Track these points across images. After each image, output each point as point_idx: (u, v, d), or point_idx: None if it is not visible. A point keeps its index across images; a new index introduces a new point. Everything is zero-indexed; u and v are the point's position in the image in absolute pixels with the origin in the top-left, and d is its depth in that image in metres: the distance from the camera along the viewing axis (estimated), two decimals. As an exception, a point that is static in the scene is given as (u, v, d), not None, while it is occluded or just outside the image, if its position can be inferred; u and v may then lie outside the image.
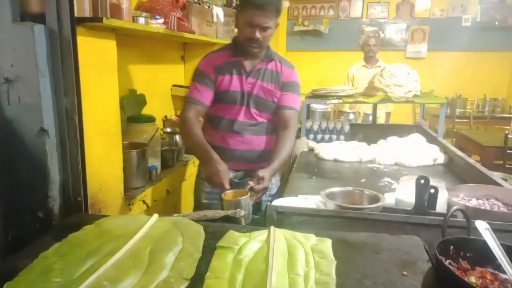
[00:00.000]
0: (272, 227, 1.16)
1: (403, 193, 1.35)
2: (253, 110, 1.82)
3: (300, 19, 6.75)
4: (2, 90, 1.31)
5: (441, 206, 1.28)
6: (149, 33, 2.05)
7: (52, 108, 1.35)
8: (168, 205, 2.22)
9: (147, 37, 2.29)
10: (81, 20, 1.40)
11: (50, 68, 1.32)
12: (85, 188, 1.46)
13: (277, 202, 1.39)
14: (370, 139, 2.66)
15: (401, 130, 2.90)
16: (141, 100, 2.23)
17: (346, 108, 4.35)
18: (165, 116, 2.69)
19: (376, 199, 1.32)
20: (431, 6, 6.55)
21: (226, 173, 1.60)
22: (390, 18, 6.71)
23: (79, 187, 1.44)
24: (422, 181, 1.21)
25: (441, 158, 2.26)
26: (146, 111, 2.30)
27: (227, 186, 1.54)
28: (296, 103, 1.90)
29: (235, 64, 1.80)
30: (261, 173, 1.63)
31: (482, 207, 1.38)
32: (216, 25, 2.70)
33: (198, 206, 1.92)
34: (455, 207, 1.06)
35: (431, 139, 2.54)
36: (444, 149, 2.34)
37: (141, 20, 1.86)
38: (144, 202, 1.95)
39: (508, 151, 3.34)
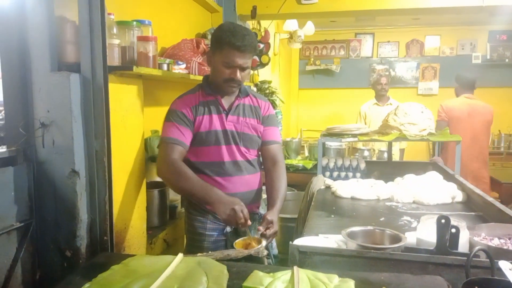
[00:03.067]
0: (295, 267, 1.18)
1: (424, 233, 1.36)
2: (243, 149, 1.76)
3: (312, 59, 6.94)
4: (38, 134, 1.39)
5: (463, 245, 1.28)
6: (171, 78, 2.15)
7: (83, 151, 1.43)
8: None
9: (169, 81, 2.41)
10: (112, 69, 1.49)
11: (83, 113, 1.41)
12: (111, 227, 1.51)
13: (299, 242, 1.41)
14: (386, 177, 2.67)
15: (416, 167, 2.91)
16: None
17: (360, 145, 4.39)
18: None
19: (397, 239, 1.33)
20: (440, 45, 6.69)
21: (244, 208, 1.53)
22: (400, 57, 6.85)
23: (105, 227, 1.49)
24: (443, 220, 1.22)
25: (459, 196, 2.25)
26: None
27: (250, 222, 1.52)
28: (279, 136, 1.91)
29: (212, 103, 1.74)
30: (269, 216, 1.60)
31: (505, 247, 1.38)
32: (234, 67, 2.83)
33: (193, 250, 1.73)
34: (477, 247, 1.07)
35: (448, 177, 2.54)
36: (461, 187, 2.33)
37: (165, 66, 1.96)
38: (165, 241, 1.98)
39: (527, 188, 3.31)
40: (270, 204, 1.70)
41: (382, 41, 6.91)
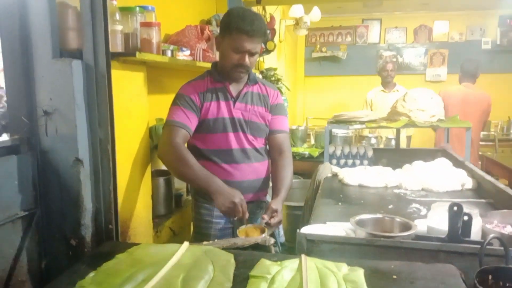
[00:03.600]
0: (303, 256, 1.16)
1: (435, 220, 1.33)
2: (250, 137, 1.75)
3: (318, 46, 6.85)
4: (41, 123, 1.37)
5: (475, 233, 1.25)
6: (176, 65, 2.12)
7: (87, 139, 1.40)
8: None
9: (173, 68, 2.37)
10: (115, 55, 1.46)
11: (86, 100, 1.38)
12: (116, 216, 1.49)
13: (306, 230, 1.39)
14: (394, 164, 2.63)
15: (425, 154, 2.86)
16: (167, 129, 2.29)
17: (367, 132, 4.34)
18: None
19: (407, 227, 1.31)
20: (449, 30, 6.56)
21: (243, 201, 1.52)
22: (408, 43, 6.74)
23: (110, 215, 1.47)
24: (455, 208, 1.19)
25: (469, 183, 2.21)
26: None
27: (247, 216, 1.49)
28: (286, 126, 1.89)
29: (219, 90, 1.72)
30: (274, 205, 1.59)
31: (518, 234, 1.34)
32: (239, 54, 2.78)
33: (200, 237, 1.75)
34: (492, 235, 1.04)
35: (457, 164, 2.50)
36: (471, 174, 2.29)
37: (169, 52, 1.93)
38: (171, 229, 1.97)
39: (538, 175, 3.25)
40: (274, 193, 1.69)
41: (390, 26, 6.80)
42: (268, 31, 3.27)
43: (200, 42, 2.24)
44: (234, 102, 1.73)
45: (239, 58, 1.64)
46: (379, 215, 1.42)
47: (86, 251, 1.41)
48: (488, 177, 2.08)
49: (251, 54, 1.65)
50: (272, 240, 1.31)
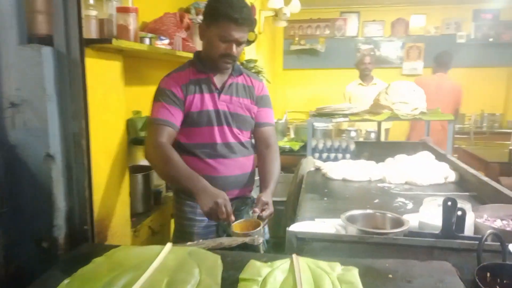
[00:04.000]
0: (294, 255, 1.10)
1: (427, 216, 1.30)
2: (235, 130, 1.68)
3: (297, 38, 6.79)
4: (7, 115, 1.25)
5: (468, 228, 1.22)
6: (153, 54, 2.01)
7: (59, 133, 1.30)
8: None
9: (150, 58, 2.26)
10: (89, 42, 1.36)
11: (58, 91, 1.27)
12: (91, 216, 1.39)
13: (295, 227, 1.33)
14: (376, 157, 2.61)
15: (407, 147, 2.86)
16: (146, 122, 2.18)
17: (346, 125, 4.34)
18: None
19: (399, 223, 1.27)
20: (426, 24, 6.63)
21: (228, 203, 1.41)
22: (386, 36, 6.77)
23: (85, 215, 1.37)
24: (449, 203, 1.16)
25: (451, 176, 2.22)
26: (149, 132, 2.25)
27: (233, 218, 1.40)
28: (272, 118, 1.83)
29: (203, 81, 1.64)
30: (264, 197, 1.53)
31: (507, 228, 1.33)
32: (219, 45, 2.69)
33: (182, 236, 1.68)
34: (489, 231, 1.01)
35: (440, 156, 2.50)
36: (454, 167, 2.30)
37: (147, 41, 1.83)
38: (150, 228, 1.88)
39: (513, 167, 3.32)
40: (263, 186, 1.62)
41: (368, 20, 6.81)
42: (250, 21, 3.18)
43: (180, 30, 2.14)
44: (219, 94, 1.65)
45: (227, 47, 1.56)
46: (369, 211, 1.37)
47: (59, 254, 1.30)
48: (472, 170, 2.08)
49: (239, 43, 1.58)
50: (261, 240, 1.25)
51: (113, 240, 1.54)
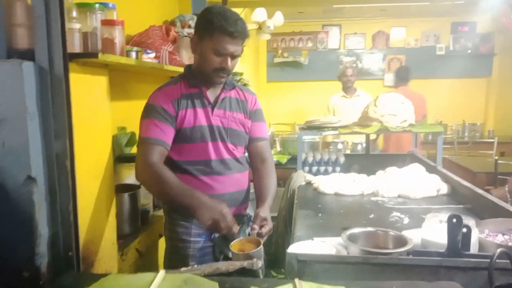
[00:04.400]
0: (297, 281, 1.04)
1: (429, 233, 1.25)
2: (230, 145, 1.62)
3: (280, 51, 6.82)
4: (-16, 135, 1.16)
5: (473, 245, 1.19)
6: (139, 68, 1.94)
7: (41, 153, 1.21)
8: (162, 251, 2.05)
9: (135, 72, 2.19)
10: (74, 56, 1.28)
11: (40, 108, 1.19)
12: (76, 241, 1.30)
13: (294, 248, 1.27)
14: (366, 170, 2.59)
15: (395, 159, 2.85)
16: (131, 139, 2.09)
17: (331, 138, 4.32)
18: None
19: (402, 241, 1.22)
20: (406, 36, 6.76)
21: (229, 213, 1.40)
22: (367, 49, 6.87)
23: (70, 241, 1.28)
24: (455, 220, 1.12)
25: (444, 188, 2.20)
26: (135, 148, 2.16)
27: (236, 230, 1.37)
28: (266, 132, 1.79)
29: (195, 96, 1.58)
30: (262, 213, 1.48)
31: (510, 243, 1.30)
32: (205, 58, 2.64)
33: (175, 259, 1.60)
34: (500, 249, 0.97)
35: (430, 168, 2.49)
36: (445, 179, 2.28)
37: (133, 54, 1.76)
38: (137, 250, 1.78)
39: (500, 176, 3.34)
40: (260, 201, 1.57)
41: (349, 32, 6.90)
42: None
43: (166, 44, 2.08)
44: (212, 109, 1.59)
45: (221, 61, 1.51)
46: (370, 229, 1.32)
47: (41, 284, 1.21)
48: (465, 183, 2.07)
49: (234, 56, 1.53)
50: (260, 263, 1.18)
51: (99, 265, 1.45)
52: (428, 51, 6.58)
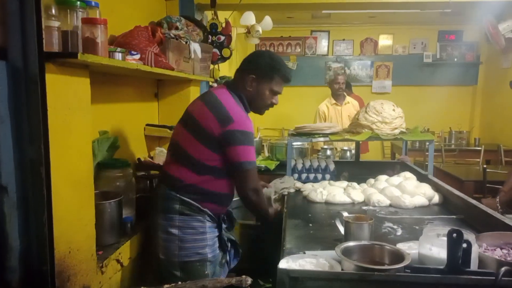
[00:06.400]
0: (289, 299, 0.97)
1: (427, 248, 1.19)
2: None
3: (268, 56, 6.75)
4: (-51, 139, 1.07)
5: (473, 261, 1.13)
6: (123, 70, 1.85)
7: (12, 160, 1.12)
8: (145, 262, 1.95)
9: (119, 74, 2.09)
10: (51, 56, 1.19)
11: (12, 111, 1.10)
12: (51, 254, 1.21)
13: (285, 264, 1.20)
14: (356, 178, 2.55)
15: (385, 167, 2.82)
16: (113, 143, 1.99)
17: (321, 144, 4.27)
18: (138, 159, 2.45)
19: (399, 256, 1.16)
20: (393, 43, 6.79)
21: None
22: (355, 55, 6.87)
23: (44, 254, 1.19)
24: (455, 235, 1.06)
25: (435, 197, 2.16)
26: (117, 154, 2.06)
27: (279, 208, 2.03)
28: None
29: None
30: None
31: (508, 258, 1.25)
32: (193, 61, 2.55)
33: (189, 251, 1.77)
34: (505, 267, 0.92)
35: (421, 177, 2.45)
36: (436, 188, 2.24)
37: (118, 55, 1.67)
38: (118, 261, 1.69)
39: (488, 185, 3.33)
40: None
41: (338, 39, 6.90)
42: (224, 37, 3.09)
43: (152, 45, 1.99)
44: None
45: (274, 99, 1.88)
46: (365, 242, 1.26)
47: (11, 302, 1.11)
48: (457, 192, 2.03)
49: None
50: (249, 280, 1.10)
51: (76, 280, 1.35)
52: (415, 59, 6.62)
